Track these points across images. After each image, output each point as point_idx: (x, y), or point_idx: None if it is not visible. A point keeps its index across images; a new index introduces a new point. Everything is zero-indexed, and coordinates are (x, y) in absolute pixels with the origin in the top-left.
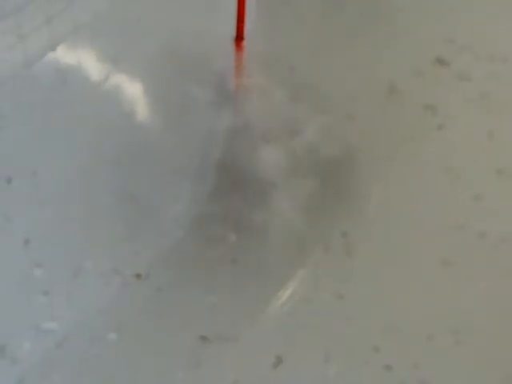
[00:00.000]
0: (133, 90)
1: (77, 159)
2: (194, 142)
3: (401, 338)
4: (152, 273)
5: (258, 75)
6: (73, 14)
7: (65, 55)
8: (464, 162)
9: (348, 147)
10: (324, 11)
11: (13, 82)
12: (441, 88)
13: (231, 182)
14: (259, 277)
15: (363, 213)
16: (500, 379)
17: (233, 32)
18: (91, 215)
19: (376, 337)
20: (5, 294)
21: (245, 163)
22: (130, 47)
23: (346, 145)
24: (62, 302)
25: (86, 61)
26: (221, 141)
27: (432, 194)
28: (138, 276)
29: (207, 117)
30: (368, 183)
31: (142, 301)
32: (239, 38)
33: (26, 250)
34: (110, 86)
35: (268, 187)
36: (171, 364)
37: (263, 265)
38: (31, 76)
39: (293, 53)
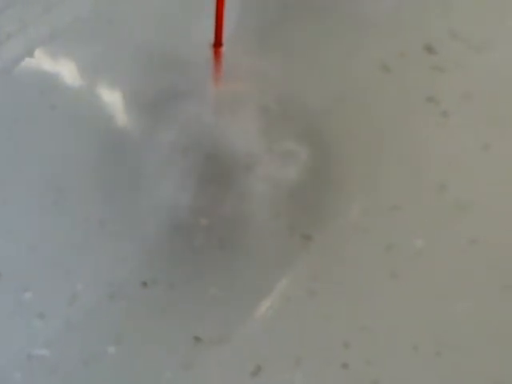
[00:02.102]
0: (111, 95)
1: (53, 167)
2: (172, 149)
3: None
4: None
5: (236, 82)
6: (50, 19)
7: (42, 60)
8: None
9: (324, 150)
10: (305, 17)
11: None
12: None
13: (211, 189)
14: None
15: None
16: None
17: (211, 38)
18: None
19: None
20: None
21: (224, 170)
22: (108, 53)
23: (322, 148)
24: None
25: (63, 66)
26: (200, 149)
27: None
28: (144, 284)
29: (185, 124)
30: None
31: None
32: (217, 44)
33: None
34: (88, 92)
35: (249, 188)
36: (161, 364)
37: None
38: (8, 82)
39: (272, 60)
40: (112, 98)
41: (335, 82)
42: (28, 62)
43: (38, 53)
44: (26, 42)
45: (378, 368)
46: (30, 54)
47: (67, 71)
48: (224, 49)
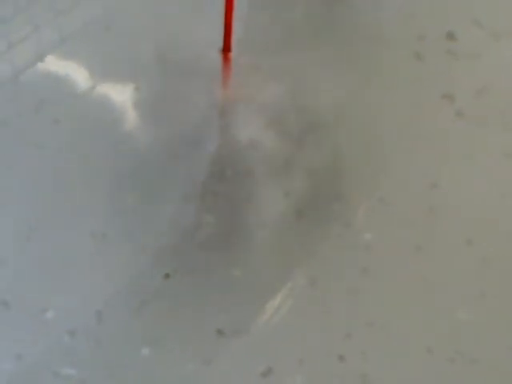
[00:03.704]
0: (119, 98)
1: (64, 170)
2: (182, 153)
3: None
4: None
5: (245, 88)
6: (60, 24)
7: (53, 65)
8: None
9: (336, 156)
10: (314, 25)
11: (1, 92)
12: None
13: (220, 191)
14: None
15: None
16: None
17: (220, 43)
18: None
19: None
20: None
21: (232, 174)
22: (117, 57)
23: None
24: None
25: (73, 70)
26: (208, 154)
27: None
28: (167, 276)
29: (194, 129)
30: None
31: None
32: (226, 49)
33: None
34: (97, 96)
35: (257, 190)
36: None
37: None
38: (18, 86)
39: (280, 65)
40: (121, 102)
41: (346, 87)
42: (39, 66)
43: (49, 57)
44: (37, 47)
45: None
46: (41, 58)
47: (77, 75)
48: (232, 54)
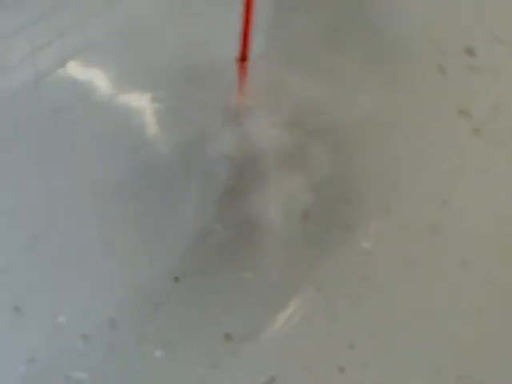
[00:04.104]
0: (140, 106)
1: (86, 174)
2: (196, 158)
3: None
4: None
5: (260, 97)
6: (84, 30)
7: (75, 71)
8: None
9: (349, 163)
10: (334, 36)
11: (23, 96)
12: None
13: (234, 201)
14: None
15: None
16: None
17: (237, 52)
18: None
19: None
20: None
21: (246, 181)
22: (138, 65)
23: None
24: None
25: (95, 77)
26: (223, 162)
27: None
28: (176, 279)
29: (209, 136)
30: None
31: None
32: (243, 58)
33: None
34: (116, 103)
35: (269, 200)
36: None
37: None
38: (39, 90)
39: (297, 76)
40: (142, 110)
41: (364, 96)
42: (60, 72)
43: (72, 63)
44: (61, 52)
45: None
46: (64, 64)
47: (99, 82)
48: (249, 63)
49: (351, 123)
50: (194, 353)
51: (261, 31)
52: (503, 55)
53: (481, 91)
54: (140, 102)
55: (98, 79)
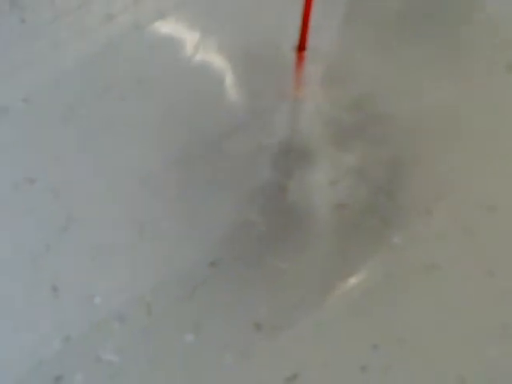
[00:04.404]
0: (201, 89)
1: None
2: (243, 146)
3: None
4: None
5: (317, 87)
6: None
7: (148, 37)
8: None
9: (396, 159)
10: (395, 29)
11: (123, 43)
12: None
13: (278, 189)
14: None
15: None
16: None
17: (296, 42)
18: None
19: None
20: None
21: (295, 173)
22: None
23: (395, 157)
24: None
25: (166, 46)
26: (273, 152)
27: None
28: (212, 264)
29: (264, 127)
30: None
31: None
32: (301, 48)
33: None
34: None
35: (313, 196)
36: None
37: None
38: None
39: (355, 67)
40: (202, 94)
41: (429, 86)
42: (135, 36)
43: (146, 29)
44: (135, 19)
45: None
46: (138, 28)
47: (169, 52)
48: (307, 53)
49: (407, 118)
50: (223, 339)
51: (321, 21)
52: None
53: None
54: (202, 84)
55: (170, 48)
